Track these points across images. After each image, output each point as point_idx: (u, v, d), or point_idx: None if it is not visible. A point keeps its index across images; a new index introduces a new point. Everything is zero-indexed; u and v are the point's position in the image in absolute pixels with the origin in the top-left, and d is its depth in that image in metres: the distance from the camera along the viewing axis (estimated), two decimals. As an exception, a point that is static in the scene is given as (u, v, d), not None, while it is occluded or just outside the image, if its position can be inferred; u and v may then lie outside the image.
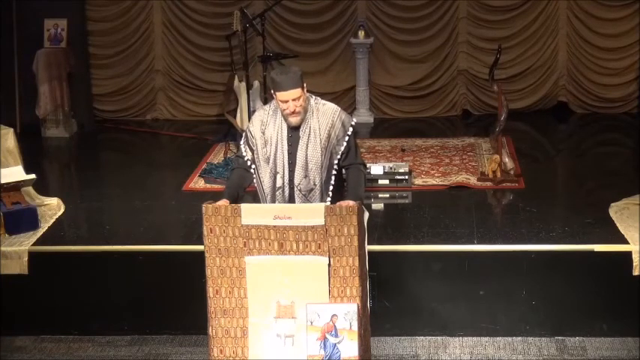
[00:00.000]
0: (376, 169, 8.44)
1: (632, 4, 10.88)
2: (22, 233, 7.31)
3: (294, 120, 5.68)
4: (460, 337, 6.87)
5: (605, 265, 6.78)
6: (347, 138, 5.76)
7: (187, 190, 8.62)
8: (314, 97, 5.82)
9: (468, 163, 9.13)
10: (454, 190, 8.42)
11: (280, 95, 5.63)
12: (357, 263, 5.42)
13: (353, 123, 5.81)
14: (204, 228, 5.49)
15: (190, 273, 6.67)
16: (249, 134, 5.83)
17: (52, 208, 7.92)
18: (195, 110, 11.49)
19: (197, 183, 8.79)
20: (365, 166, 5.93)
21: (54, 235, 7.43)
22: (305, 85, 5.66)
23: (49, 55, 10.77)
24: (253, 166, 5.82)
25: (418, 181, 8.62)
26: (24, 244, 7.15)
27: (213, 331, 5.57)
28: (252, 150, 5.81)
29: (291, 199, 5.76)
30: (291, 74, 5.62)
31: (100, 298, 7.03)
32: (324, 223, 5.38)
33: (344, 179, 5.90)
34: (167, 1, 11.34)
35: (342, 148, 5.76)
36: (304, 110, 5.69)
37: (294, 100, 5.62)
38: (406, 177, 8.46)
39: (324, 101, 5.83)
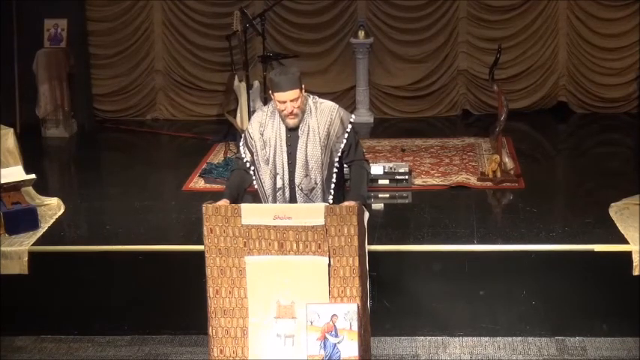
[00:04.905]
0: (376, 169, 8.44)
1: (632, 4, 10.88)
2: (22, 233, 7.31)
3: (291, 122, 5.67)
4: (460, 337, 6.87)
5: (605, 265, 6.77)
6: (346, 135, 5.75)
7: (187, 190, 8.62)
8: (312, 96, 5.81)
9: (468, 163, 9.13)
10: (454, 190, 8.42)
11: (278, 96, 5.62)
12: (357, 263, 5.41)
13: (352, 119, 5.80)
14: (205, 228, 5.49)
15: (190, 273, 6.66)
16: (248, 136, 5.83)
17: (52, 208, 7.92)
18: (196, 110, 11.48)
19: (197, 183, 8.79)
20: (367, 162, 5.91)
21: (54, 235, 7.42)
22: (303, 86, 5.66)
23: (49, 55, 10.76)
24: (253, 168, 5.81)
25: (418, 181, 8.62)
26: (24, 244, 7.15)
27: (213, 331, 5.57)
28: (251, 152, 5.80)
29: (293, 200, 5.75)
30: (289, 75, 5.60)
31: (100, 298, 7.03)
32: (324, 223, 5.38)
33: (346, 177, 5.91)
34: (167, 1, 11.34)
35: (342, 146, 5.75)
36: (302, 112, 5.67)
37: (292, 101, 5.60)
38: (406, 177, 8.46)
39: (321, 100, 5.81)
